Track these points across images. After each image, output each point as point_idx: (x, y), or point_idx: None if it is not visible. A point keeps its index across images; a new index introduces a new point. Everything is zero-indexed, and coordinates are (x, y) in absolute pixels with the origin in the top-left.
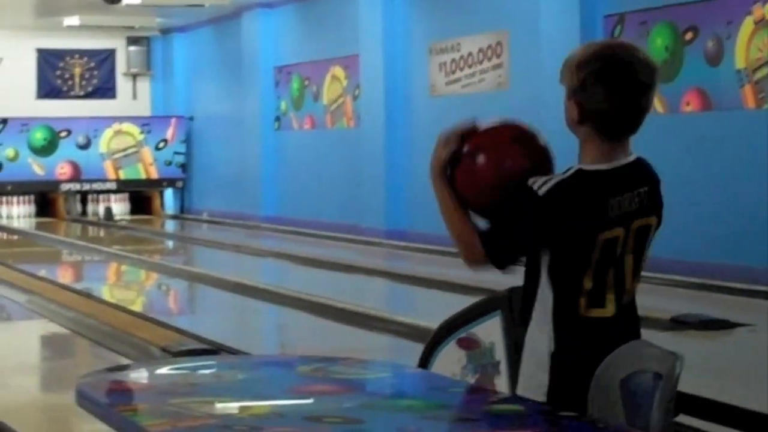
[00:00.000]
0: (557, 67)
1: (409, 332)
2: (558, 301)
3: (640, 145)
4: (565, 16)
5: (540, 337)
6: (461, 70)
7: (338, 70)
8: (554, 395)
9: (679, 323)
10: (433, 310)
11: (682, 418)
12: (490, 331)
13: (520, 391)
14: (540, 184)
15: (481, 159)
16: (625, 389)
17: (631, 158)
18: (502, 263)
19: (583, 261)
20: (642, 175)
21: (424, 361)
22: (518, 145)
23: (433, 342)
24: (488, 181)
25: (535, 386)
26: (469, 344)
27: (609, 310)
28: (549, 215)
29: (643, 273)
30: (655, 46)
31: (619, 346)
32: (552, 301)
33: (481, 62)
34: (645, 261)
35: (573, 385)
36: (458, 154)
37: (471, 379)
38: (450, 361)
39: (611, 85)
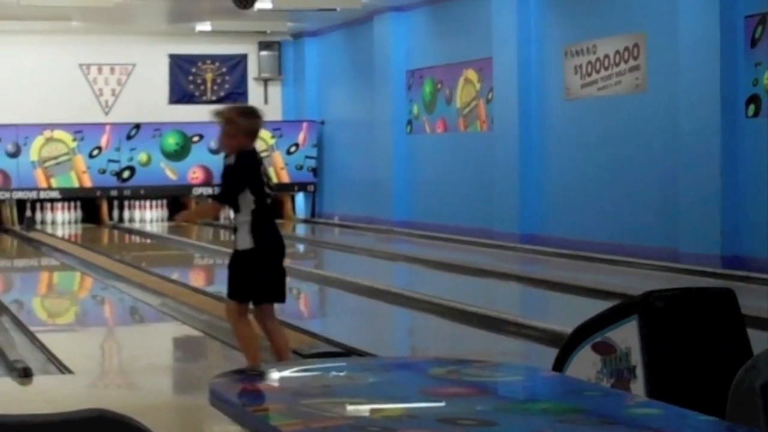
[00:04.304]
0: (696, 69)
1: (542, 337)
2: (253, 212)
3: None
4: (704, 17)
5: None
6: (597, 72)
7: (471, 73)
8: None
9: None
10: (566, 314)
11: None
12: (626, 335)
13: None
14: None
15: None
16: (767, 395)
17: None
18: (225, 201)
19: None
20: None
21: (559, 365)
22: None
23: (568, 346)
24: None
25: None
26: (604, 349)
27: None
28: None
29: None
30: None
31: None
32: (250, 212)
33: (617, 64)
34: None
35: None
36: None
37: (606, 384)
38: (585, 365)
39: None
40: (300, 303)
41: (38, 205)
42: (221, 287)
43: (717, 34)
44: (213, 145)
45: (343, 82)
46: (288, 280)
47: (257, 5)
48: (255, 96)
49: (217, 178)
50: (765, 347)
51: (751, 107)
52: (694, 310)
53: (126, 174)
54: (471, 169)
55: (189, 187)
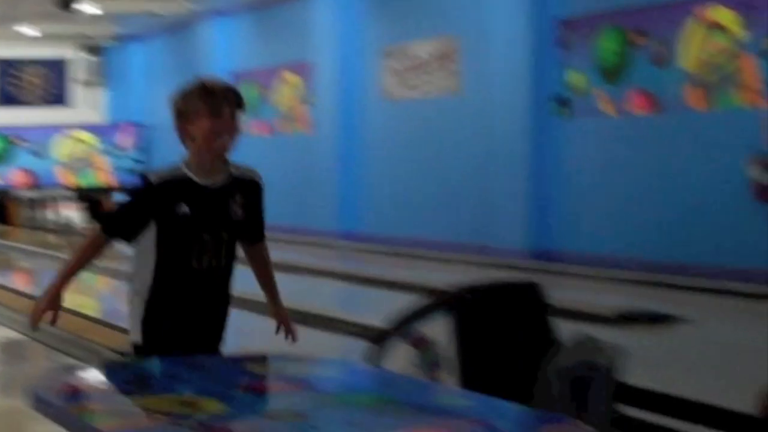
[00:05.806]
0: (508, 71)
1: (361, 332)
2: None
3: (591, 147)
4: (515, 21)
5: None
6: (414, 74)
7: (293, 76)
8: None
9: (625, 318)
10: (384, 310)
11: (630, 410)
12: (440, 329)
13: None
14: None
15: None
16: (570, 380)
17: None
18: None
19: None
20: None
21: (375, 359)
22: None
23: (384, 339)
24: None
25: None
26: (419, 342)
27: None
28: None
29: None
30: (604, 49)
31: None
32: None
33: (433, 67)
34: None
35: None
36: None
37: (421, 375)
38: (400, 358)
39: None
40: (124, 304)
41: None
42: (41, 289)
43: (528, 37)
44: (35, 148)
45: (167, 86)
46: (115, 282)
47: (81, 7)
48: (78, 99)
49: (41, 181)
50: (570, 336)
51: (560, 108)
52: (502, 302)
53: None
54: (293, 170)
55: (11, 190)
